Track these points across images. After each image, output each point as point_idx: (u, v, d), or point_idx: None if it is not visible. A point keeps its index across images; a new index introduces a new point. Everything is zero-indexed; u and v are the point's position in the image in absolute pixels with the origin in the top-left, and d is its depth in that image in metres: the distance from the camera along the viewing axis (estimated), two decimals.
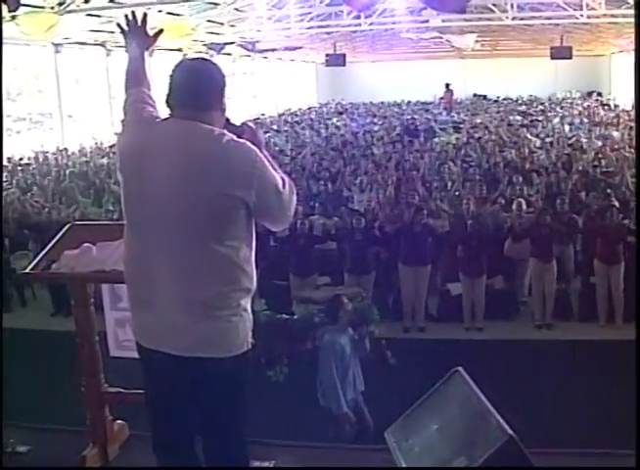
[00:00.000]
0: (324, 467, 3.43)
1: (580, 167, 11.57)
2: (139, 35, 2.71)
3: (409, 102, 31.43)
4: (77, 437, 3.45)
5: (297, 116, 27.20)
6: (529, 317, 8.12)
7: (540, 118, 21.25)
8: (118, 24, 2.75)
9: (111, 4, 13.57)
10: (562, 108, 25.31)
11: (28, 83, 21.65)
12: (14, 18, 9.36)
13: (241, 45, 19.69)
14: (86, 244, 3.19)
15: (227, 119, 2.39)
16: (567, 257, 8.37)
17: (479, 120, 20.96)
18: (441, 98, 27.09)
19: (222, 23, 17.89)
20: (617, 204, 8.56)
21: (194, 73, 2.33)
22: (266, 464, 3.25)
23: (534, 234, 7.92)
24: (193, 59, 2.51)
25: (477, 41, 23.07)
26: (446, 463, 2.64)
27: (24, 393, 5.30)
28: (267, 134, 18.00)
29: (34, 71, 20.17)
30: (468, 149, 14.22)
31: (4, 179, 11.59)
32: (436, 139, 16.88)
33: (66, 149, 15.94)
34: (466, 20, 17.94)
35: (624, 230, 7.86)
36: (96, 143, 17.24)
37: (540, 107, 26.45)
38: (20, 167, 13.83)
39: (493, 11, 17.23)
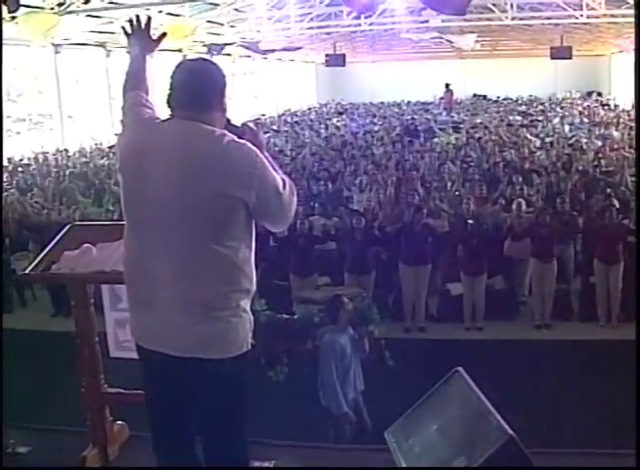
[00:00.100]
0: (324, 467, 3.42)
1: (580, 167, 11.58)
2: (142, 38, 2.71)
3: (409, 102, 31.44)
4: (77, 437, 3.45)
5: (296, 116, 27.18)
6: (529, 317, 8.12)
7: (540, 119, 21.26)
8: (123, 28, 2.75)
9: (110, 5, 13.58)
10: (562, 108, 25.29)
11: (28, 84, 21.69)
12: (14, 18, 9.33)
13: (244, 46, 19.65)
14: (86, 244, 3.18)
15: (228, 120, 2.39)
16: (567, 256, 8.38)
17: (478, 121, 20.96)
18: (441, 98, 27.11)
19: (222, 24, 17.91)
20: (617, 204, 8.56)
21: (194, 74, 2.33)
22: (266, 464, 3.25)
23: (534, 234, 7.92)
24: (193, 59, 2.50)
25: (476, 41, 22.99)
26: (446, 463, 2.64)
27: (25, 393, 5.31)
28: (267, 134, 17.99)
29: (34, 72, 20.18)
30: (468, 149, 14.23)
31: (4, 180, 11.59)
32: (436, 139, 16.90)
33: (66, 149, 15.91)
34: (466, 20, 17.88)
35: (624, 230, 7.86)
36: (96, 144, 17.21)
37: (540, 107, 26.45)
38: (20, 168, 13.83)
39: (493, 11, 17.21)
